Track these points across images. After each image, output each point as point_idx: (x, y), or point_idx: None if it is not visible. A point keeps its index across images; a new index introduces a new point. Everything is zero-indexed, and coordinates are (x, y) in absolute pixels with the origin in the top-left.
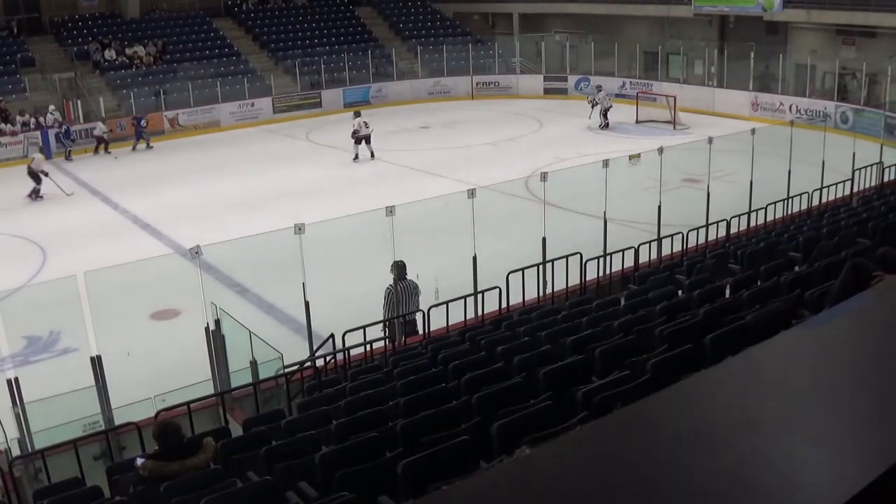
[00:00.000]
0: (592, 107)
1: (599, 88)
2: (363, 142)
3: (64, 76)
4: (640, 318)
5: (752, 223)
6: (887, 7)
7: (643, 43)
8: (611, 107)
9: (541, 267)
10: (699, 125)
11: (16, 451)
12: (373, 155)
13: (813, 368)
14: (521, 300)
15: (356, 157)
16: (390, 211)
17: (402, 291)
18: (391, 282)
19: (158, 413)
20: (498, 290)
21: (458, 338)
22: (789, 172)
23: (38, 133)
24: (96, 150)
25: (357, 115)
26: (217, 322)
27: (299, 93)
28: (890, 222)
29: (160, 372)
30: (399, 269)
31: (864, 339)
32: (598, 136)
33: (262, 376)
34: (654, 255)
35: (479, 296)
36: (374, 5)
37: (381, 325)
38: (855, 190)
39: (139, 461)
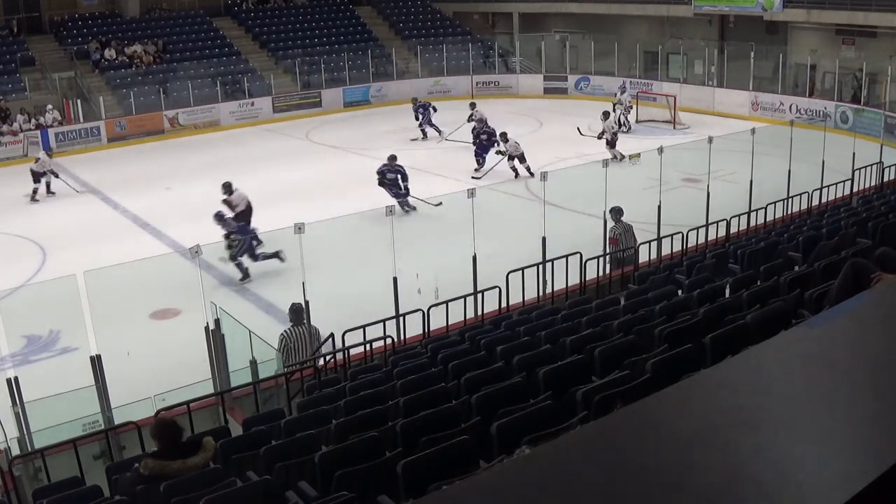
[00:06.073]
0: (613, 110)
1: (623, 89)
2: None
3: (64, 75)
4: (639, 318)
5: (752, 223)
6: (887, 7)
7: (643, 43)
8: (631, 107)
9: (541, 266)
10: (699, 125)
11: (15, 451)
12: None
13: (813, 368)
14: (520, 300)
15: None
16: (390, 211)
17: (297, 338)
18: (288, 326)
19: (158, 412)
20: (498, 289)
21: (457, 337)
22: (789, 172)
23: (37, 133)
24: None
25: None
26: (217, 321)
27: (299, 92)
28: (890, 222)
29: (160, 371)
30: (295, 313)
31: (864, 339)
32: None
33: (261, 376)
34: (654, 255)
35: (479, 295)
36: (374, 5)
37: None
38: (855, 190)
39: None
